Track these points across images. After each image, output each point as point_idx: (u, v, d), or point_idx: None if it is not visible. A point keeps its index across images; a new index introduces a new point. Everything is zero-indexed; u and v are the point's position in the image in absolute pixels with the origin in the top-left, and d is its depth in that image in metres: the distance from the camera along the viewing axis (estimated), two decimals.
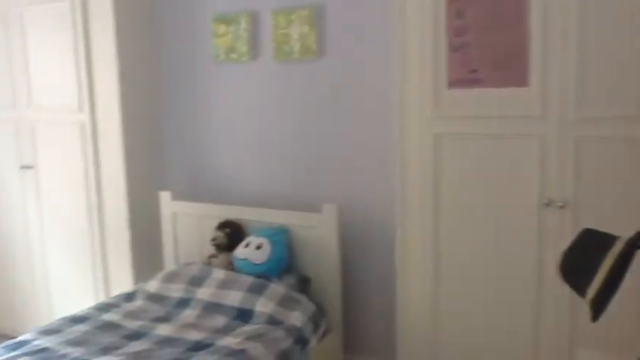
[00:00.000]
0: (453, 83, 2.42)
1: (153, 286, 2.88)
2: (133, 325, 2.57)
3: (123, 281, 3.28)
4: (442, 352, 2.58)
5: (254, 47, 3.11)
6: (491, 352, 2.48)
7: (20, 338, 2.48)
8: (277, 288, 2.67)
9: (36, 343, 2.41)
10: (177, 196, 3.28)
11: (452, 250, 2.51)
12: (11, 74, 3.54)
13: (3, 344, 2.43)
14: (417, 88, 2.49)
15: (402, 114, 2.54)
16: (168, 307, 2.72)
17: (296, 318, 2.55)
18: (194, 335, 2.44)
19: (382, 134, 2.80)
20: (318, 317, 2.67)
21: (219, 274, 2.81)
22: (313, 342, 2.58)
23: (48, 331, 2.52)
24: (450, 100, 2.44)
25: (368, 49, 2.82)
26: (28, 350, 2.34)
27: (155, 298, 2.80)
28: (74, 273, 3.49)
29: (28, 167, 3.54)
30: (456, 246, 2.50)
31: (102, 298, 3.31)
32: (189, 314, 2.64)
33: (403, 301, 2.63)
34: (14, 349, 2.36)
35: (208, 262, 2.99)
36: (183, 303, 2.71)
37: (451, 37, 2.40)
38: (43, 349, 2.34)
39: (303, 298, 2.69)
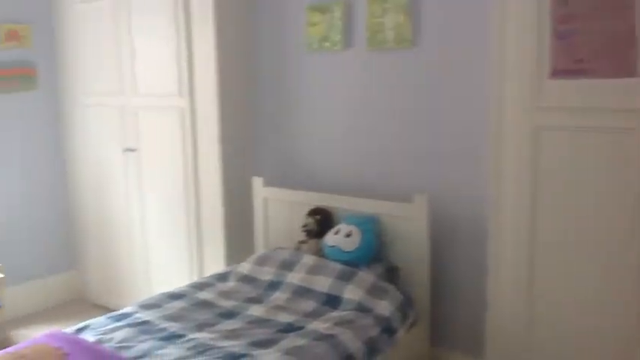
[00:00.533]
0: (557, 73, 2.33)
1: (245, 268, 2.97)
2: (227, 304, 2.67)
3: (216, 262, 3.41)
4: (534, 350, 2.51)
5: (347, 36, 3.12)
6: (587, 353, 2.38)
7: (123, 311, 2.64)
8: (366, 276, 2.69)
9: (137, 315, 2.56)
10: (269, 182, 3.36)
11: (548, 246, 2.42)
12: (118, 62, 3.74)
13: (108, 315, 2.60)
14: (516, 78, 2.42)
15: (499, 105, 2.47)
16: (260, 289, 2.80)
17: (384, 307, 2.56)
18: (284, 317, 2.51)
19: (477, 125, 2.74)
20: (406, 308, 2.66)
21: (308, 259, 2.86)
22: (401, 332, 2.58)
23: (148, 306, 2.67)
24: (552, 91, 2.35)
25: (464, 38, 2.75)
26: (130, 322, 2.49)
27: (247, 279, 2.90)
28: (170, 252, 3.66)
29: (132, 150, 3.74)
30: (552, 242, 2.41)
31: (195, 277, 3.46)
32: (279, 297, 2.71)
33: (494, 296, 2.58)
34: (118, 320, 2.52)
35: (298, 248, 3.05)
36: (274, 286, 2.79)
37: (556, 24, 2.31)
38: (144, 322, 2.49)
39: (391, 287, 2.69)
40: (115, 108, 3.82)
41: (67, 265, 4.34)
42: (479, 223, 2.74)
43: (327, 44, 3.20)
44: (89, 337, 2.36)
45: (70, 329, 2.44)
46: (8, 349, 2.27)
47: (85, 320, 2.57)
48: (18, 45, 3.95)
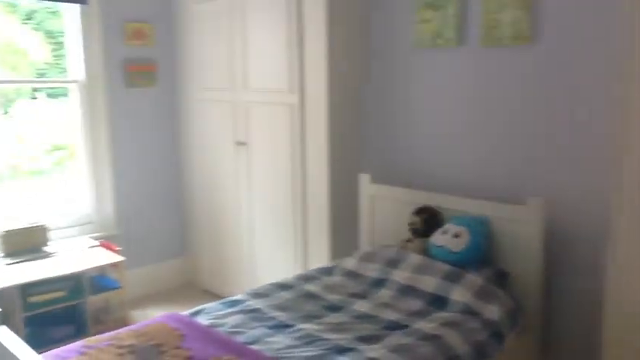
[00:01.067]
0: None
1: (350, 263, 3.00)
2: (332, 297, 2.71)
3: (320, 256, 3.47)
4: None
5: (461, 33, 3.06)
6: None
7: (234, 297, 2.75)
8: (474, 279, 2.63)
9: (248, 303, 2.66)
10: (376, 179, 3.37)
11: None
12: (232, 59, 3.89)
13: (220, 301, 2.72)
14: None
15: (627, 105, 2.33)
16: (365, 285, 2.82)
17: (493, 311, 2.49)
18: (389, 315, 2.51)
19: (597, 126, 2.60)
20: (515, 314, 2.58)
21: (414, 258, 2.84)
22: (509, 339, 2.50)
23: (258, 294, 2.76)
24: None
25: (588, 33, 2.61)
26: (242, 309, 2.59)
27: (352, 275, 2.93)
28: (276, 243, 3.77)
29: (242, 144, 3.88)
30: None
31: (299, 270, 3.54)
32: (384, 294, 2.71)
33: (613, 309, 2.44)
34: (230, 306, 2.63)
35: (403, 246, 3.04)
36: (379, 283, 2.80)
37: None
38: (255, 310, 2.58)
39: (500, 292, 2.61)
40: (227, 103, 3.97)
41: (179, 252, 4.59)
42: (596, 228, 2.60)
43: (439, 41, 3.15)
44: (203, 320, 2.48)
45: (185, 312, 2.58)
46: (132, 327, 2.44)
47: (193, 304, 2.72)
48: (142, 43, 4.21)
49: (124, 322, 3.59)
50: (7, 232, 3.52)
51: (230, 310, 2.59)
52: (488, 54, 2.97)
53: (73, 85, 4.04)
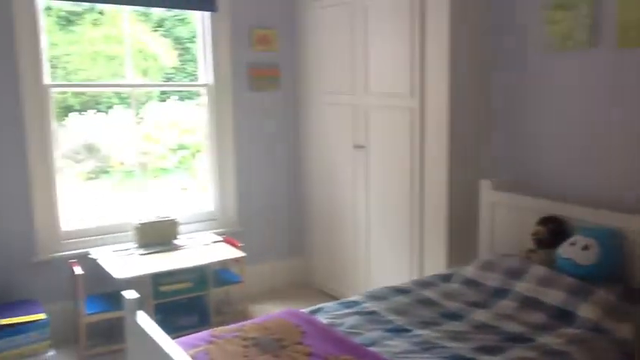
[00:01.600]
0: None
1: (469, 271, 2.94)
2: (450, 305, 2.67)
3: (436, 262, 3.42)
4: None
5: (594, 34, 2.90)
6: None
7: (352, 299, 2.79)
8: (605, 295, 2.48)
9: (365, 305, 2.69)
10: (498, 186, 3.28)
11: None
12: (352, 63, 3.94)
13: (338, 301, 2.77)
14: None
15: None
16: (484, 295, 2.75)
17: (625, 330, 2.33)
18: (512, 327, 2.43)
19: None
20: None
21: (538, 270, 2.73)
22: None
23: (374, 297, 2.78)
24: None
25: None
26: (359, 310, 2.63)
27: (471, 283, 2.87)
28: (392, 247, 3.77)
29: (360, 147, 3.93)
30: None
31: (415, 275, 3.52)
32: (506, 305, 2.63)
33: None
34: (348, 307, 2.67)
35: (526, 257, 2.93)
36: (500, 293, 2.71)
37: None
38: (372, 312, 2.60)
39: (633, 310, 2.45)
40: (347, 106, 4.03)
41: (296, 252, 4.72)
42: None
43: (570, 43, 3.01)
44: (322, 319, 2.54)
45: (305, 310, 2.65)
46: (255, 320, 2.55)
47: (308, 303, 2.79)
48: (267, 48, 4.38)
49: (243, 315, 3.76)
50: (141, 224, 3.80)
51: (347, 310, 2.63)
52: (625, 56, 2.79)
53: (202, 88, 4.28)
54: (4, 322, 3.06)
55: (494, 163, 3.47)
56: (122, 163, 4.31)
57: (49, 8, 3.65)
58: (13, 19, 3.41)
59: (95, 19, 4.04)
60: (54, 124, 3.68)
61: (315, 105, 4.37)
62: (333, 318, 2.55)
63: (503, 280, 2.77)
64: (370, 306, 2.67)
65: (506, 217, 3.22)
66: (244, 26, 4.29)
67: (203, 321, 3.68)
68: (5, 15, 3.39)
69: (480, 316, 2.55)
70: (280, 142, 4.57)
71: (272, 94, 4.47)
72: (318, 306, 2.70)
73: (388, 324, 2.48)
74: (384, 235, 3.83)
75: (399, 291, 2.85)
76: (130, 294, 2.17)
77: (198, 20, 4.24)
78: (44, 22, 3.60)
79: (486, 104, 3.46)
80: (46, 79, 3.61)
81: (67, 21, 3.93)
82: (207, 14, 4.18)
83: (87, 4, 3.81)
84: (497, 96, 3.42)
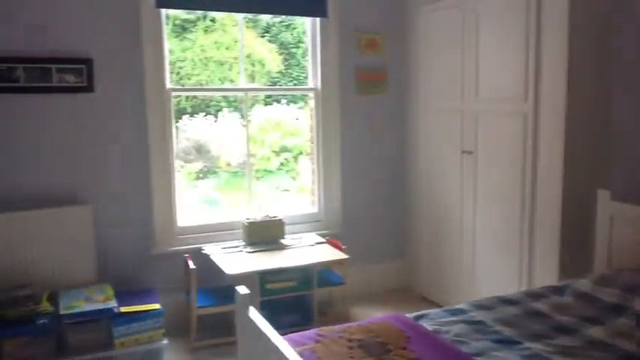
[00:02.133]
0: None
1: (584, 285, 2.80)
2: (562, 319, 2.56)
3: (547, 273, 3.29)
4: None
5: None
6: None
7: (457, 307, 2.75)
8: None
9: (471, 314, 2.63)
10: (618, 197, 3.09)
11: None
12: (461, 67, 3.87)
13: (444, 308, 2.74)
14: None
15: None
16: (600, 310, 2.61)
17: None
18: (629, 346, 2.29)
19: None
20: None
21: None
22: None
23: (481, 306, 2.72)
24: None
25: None
26: (465, 319, 2.58)
27: (586, 297, 2.73)
28: (499, 256, 3.66)
29: (469, 153, 3.85)
30: None
31: (524, 286, 3.40)
32: (623, 322, 2.47)
33: None
34: (453, 315, 2.63)
35: None
36: (618, 310, 2.56)
37: None
38: (478, 322, 2.55)
39: None
40: (456, 112, 3.96)
41: (399, 256, 4.70)
42: None
43: None
44: (427, 325, 2.52)
45: (409, 315, 2.64)
46: (360, 322, 2.58)
47: (409, 308, 2.77)
48: (374, 53, 4.41)
49: (345, 317, 3.80)
50: (250, 223, 3.95)
51: (453, 318, 2.60)
52: None
53: (309, 92, 4.38)
54: (124, 310, 3.28)
55: (615, 172, 3.28)
56: (229, 164, 4.49)
57: (166, 17, 3.88)
58: (140, 27, 3.66)
59: (207, 27, 4.26)
60: (172, 126, 3.91)
61: (423, 109, 4.33)
62: (439, 325, 2.52)
63: (621, 296, 2.61)
64: (477, 315, 2.62)
65: (625, 230, 3.03)
66: (352, 30, 4.34)
67: (306, 320, 3.76)
68: (133, 22, 3.65)
69: (595, 332, 2.42)
70: (386, 145, 4.57)
71: (379, 98, 4.49)
72: (422, 312, 2.69)
73: (496, 335, 2.42)
74: (492, 243, 3.72)
75: (508, 301, 2.77)
76: (242, 289, 2.26)
77: (308, 26, 4.35)
78: (166, 30, 3.84)
79: (608, 112, 3.28)
80: (168, 84, 3.85)
81: (182, 29, 4.16)
82: (316, 20, 4.27)
83: (200, 12, 4.04)
84: (622, 102, 3.22)
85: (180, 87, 4.05)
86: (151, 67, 3.72)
